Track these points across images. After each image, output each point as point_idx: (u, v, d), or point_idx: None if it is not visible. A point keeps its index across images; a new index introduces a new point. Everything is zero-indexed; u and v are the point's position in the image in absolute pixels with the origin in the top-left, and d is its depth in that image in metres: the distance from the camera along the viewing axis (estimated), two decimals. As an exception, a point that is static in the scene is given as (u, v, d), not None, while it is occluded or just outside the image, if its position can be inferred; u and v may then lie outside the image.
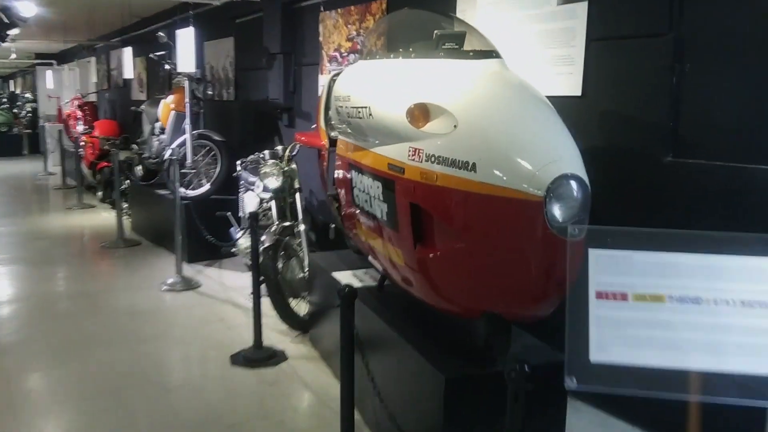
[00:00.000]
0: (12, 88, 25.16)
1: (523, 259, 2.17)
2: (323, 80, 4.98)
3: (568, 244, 2.08)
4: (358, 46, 5.34)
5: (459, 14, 4.25)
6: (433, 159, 2.36)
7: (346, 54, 5.54)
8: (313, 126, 4.75)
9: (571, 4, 3.49)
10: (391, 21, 3.19)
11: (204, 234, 5.79)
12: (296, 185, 4.90)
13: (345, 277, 3.83)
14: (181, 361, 4.33)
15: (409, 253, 2.61)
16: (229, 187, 6.73)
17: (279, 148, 4.98)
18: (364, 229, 3.09)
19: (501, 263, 2.23)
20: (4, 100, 21.52)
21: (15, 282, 6.11)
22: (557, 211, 2.07)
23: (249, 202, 5.70)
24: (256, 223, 4.17)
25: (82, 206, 9.97)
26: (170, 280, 5.84)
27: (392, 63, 2.80)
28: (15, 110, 20.18)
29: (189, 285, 5.81)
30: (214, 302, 5.42)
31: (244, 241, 5.38)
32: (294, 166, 4.91)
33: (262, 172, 4.84)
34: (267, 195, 5.12)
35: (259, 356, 4.18)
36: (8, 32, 8.84)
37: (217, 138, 6.76)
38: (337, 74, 4.04)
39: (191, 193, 6.62)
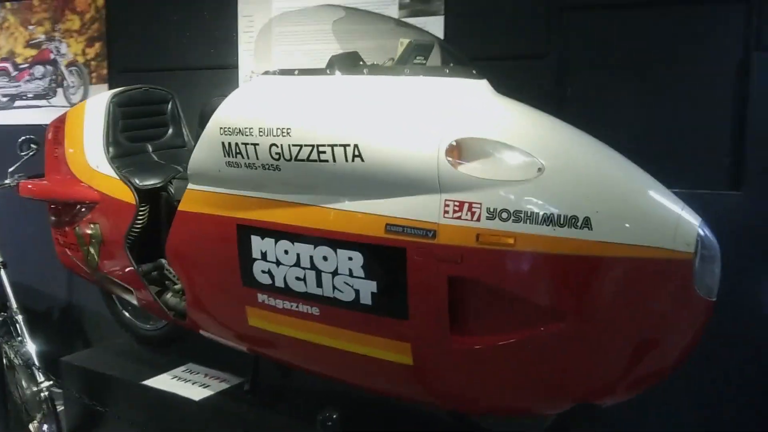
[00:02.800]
0: None
1: (657, 335, 1.70)
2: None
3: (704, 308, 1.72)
4: (52, 54, 3.88)
5: (243, 20, 3.41)
6: (504, 215, 1.69)
7: (26, 66, 3.97)
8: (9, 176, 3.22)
9: (420, 17, 3.05)
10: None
11: None
12: (-1, 258, 3.27)
13: (173, 386, 2.66)
14: None
15: (435, 347, 1.85)
16: None
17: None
18: (284, 320, 2.13)
19: (621, 342, 1.71)
20: None
21: None
22: (702, 268, 1.67)
23: None
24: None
25: None
26: None
27: (374, 82, 1.95)
28: None
29: None
30: None
31: None
32: (-10, 228, 3.27)
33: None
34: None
35: None
36: None
37: None
38: (123, 93, 2.83)
39: None
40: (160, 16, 3.60)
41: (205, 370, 2.79)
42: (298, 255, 2.03)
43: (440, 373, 1.90)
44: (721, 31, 2.71)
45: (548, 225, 1.66)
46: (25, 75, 3.95)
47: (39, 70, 3.90)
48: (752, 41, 2.63)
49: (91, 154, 2.76)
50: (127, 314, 3.12)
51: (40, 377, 3.04)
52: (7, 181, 3.27)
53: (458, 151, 1.76)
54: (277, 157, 1.98)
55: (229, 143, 2.08)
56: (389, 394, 2.12)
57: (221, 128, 2.09)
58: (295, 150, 1.93)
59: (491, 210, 1.71)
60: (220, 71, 3.50)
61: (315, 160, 1.91)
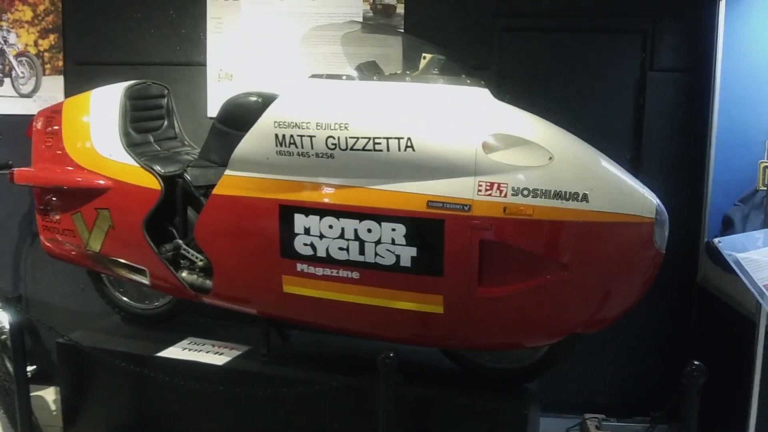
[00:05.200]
0: None
1: (630, 276, 2.35)
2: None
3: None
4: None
5: (212, 21, 3.68)
6: (525, 192, 2.26)
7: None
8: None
9: (383, 35, 3.52)
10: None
11: None
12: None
13: (188, 355, 2.94)
14: None
15: (464, 297, 2.37)
16: None
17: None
18: (322, 285, 2.54)
19: (608, 283, 2.34)
20: None
21: None
22: (658, 229, 2.34)
23: None
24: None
25: None
26: None
27: (417, 87, 2.39)
28: None
29: None
30: None
31: None
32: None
33: None
34: None
35: None
36: None
37: None
38: (133, 87, 3.03)
39: None
40: (122, 12, 3.74)
41: (209, 341, 3.08)
42: (342, 228, 2.45)
43: (466, 318, 2.42)
44: (623, 54, 3.49)
45: (557, 199, 2.25)
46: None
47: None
48: (647, 63, 3.44)
49: (101, 144, 2.93)
50: (119, 295, 3.29)
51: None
52: (-26, 170, 3.30)
53: (490, 143, 2.30)
54: (332, 147, 2.39)
55: (284, 135, 2.45)
56: (417, 341, 2.60)
57: (276, 122, 2.46)
58: (351, 141, 2.36)
59: (515, 188, 2.26)
60: (185, 68, 3.74)
61: (370, 150, 2.35)
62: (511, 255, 2.33)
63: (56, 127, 3.05)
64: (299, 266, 2.56)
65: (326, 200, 2.47)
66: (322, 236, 2.49)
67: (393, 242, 2.40)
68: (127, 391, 3.02)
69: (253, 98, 2.72)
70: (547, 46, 3.55)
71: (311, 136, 2.42)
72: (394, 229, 2.39)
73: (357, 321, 2.61)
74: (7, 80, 3.88)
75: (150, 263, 2.91)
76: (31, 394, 3.17)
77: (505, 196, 2.27)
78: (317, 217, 2.49)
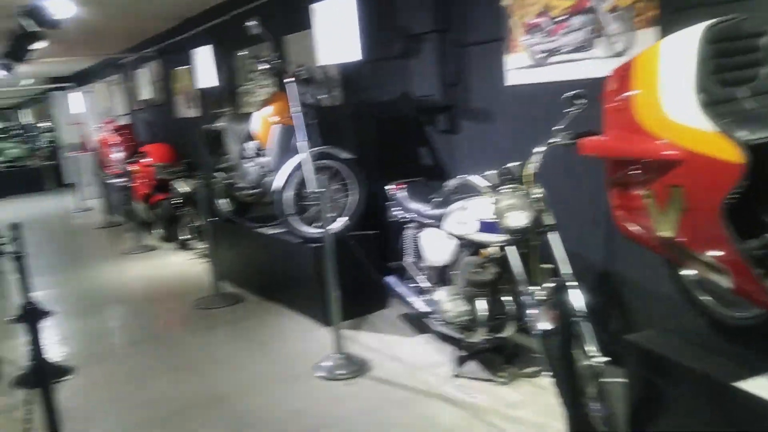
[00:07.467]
0: (22, 119, 23.27)
1: None
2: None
3: None
4: (589, 2, 3.61)
5: None
6: None
7: (561, 18, 3.80)
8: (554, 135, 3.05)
9: None
10: None
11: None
12: (550, 220, 3.17)
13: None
14: None
15: None
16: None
17: (511, 165, 3.25)
18: None
19: None
20: (18, 131, 20.27)
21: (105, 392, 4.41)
22: None
23: (434, 246, 4.01)
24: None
25: (142, 249, 8.30)
26: (326, 362, 4.13)
27: None
28: (29, 143, 18.91)
29: (358, 367, 4.10)
30: (416, 397, 3.70)
31: (451, 304, 3.66)
32: (542, 191, 3.18)
33: (500, 203, 3.13)
34: (490, 237, 3.42)
35: None
36: (32, 46, 7.14)
37: (344, 156, 5.06)
38: (714, 27, 2.34)
39: (318, 231, 4.92)
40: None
41: None
42: None
43: None
44: None
45: None
46: (561, 28, 3.78)
47: (577, 20, 3.68)
48: None
49: (671, 104, 2.34)
50: (702, 295, 2.66)
51: (593, 350, 2.83)
52: (557, 140, 3.14)
53: None
54: None
55: None
56: None
57: None
58: None
59: None
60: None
61: None
62: None
63: (625, 87, 2.59)
64: None
65: None
66: None
67: None
68: (692, 414, 2.40)
69: None
70: None
71: None
72: None
73: None
74: (598, 41, 3.60)
75: (729, 260, 2.19)
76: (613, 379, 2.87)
77: None
78: None
